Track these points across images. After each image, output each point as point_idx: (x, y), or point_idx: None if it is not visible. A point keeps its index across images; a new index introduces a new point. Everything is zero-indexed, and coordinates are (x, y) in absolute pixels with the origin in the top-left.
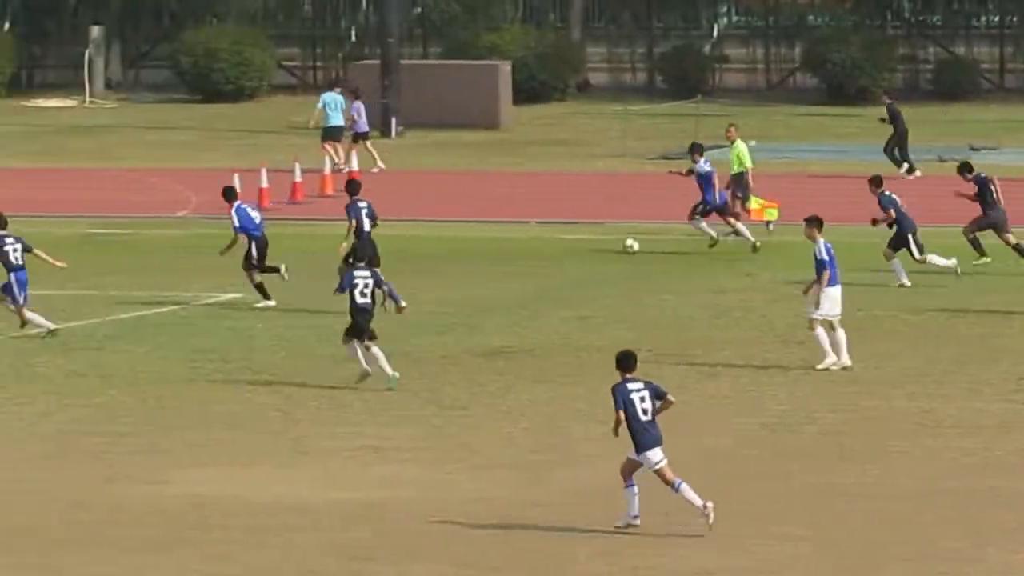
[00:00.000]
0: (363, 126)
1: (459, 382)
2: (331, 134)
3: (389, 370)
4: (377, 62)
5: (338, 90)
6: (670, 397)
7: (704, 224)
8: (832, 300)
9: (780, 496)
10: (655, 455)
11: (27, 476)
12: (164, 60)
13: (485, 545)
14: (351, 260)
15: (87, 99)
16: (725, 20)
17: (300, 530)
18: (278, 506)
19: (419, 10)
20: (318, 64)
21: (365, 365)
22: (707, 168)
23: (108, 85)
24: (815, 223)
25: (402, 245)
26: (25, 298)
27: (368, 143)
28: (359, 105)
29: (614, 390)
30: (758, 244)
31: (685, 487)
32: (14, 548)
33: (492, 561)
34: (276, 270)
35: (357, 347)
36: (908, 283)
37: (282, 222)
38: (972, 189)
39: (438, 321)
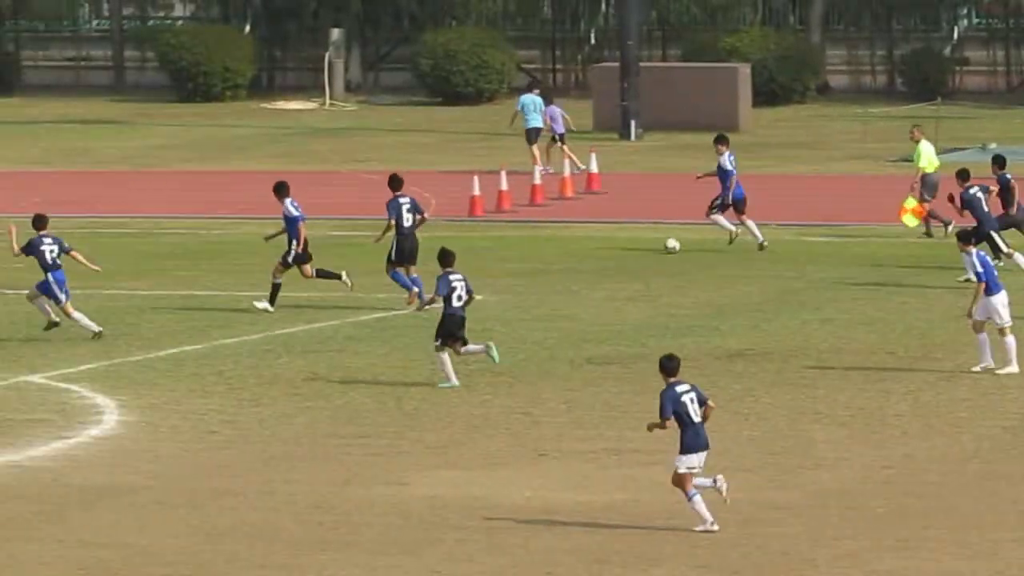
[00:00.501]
0: (558, 128)
1: (698, 384)
2: (529, 136)
3: (483, 348)
4: (616, 64)
5: (536, 92)
6: (711, 403)
7: (723, 219)
8: (993, 308)
9: None
10: (694, 459)
11: (267, 478)
12: (403, 63)
13: (725, 548)
14: (392, 259)
15: (327, 101)
16: (965, 22)
17: (540, 532)
18: (518, 508)
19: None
20: (557, 67)
21: (454, 379)
22: (730, 164)
23: (348, 87)
24: (964, 239)
25: (640, 247)
26: (67, 295)
27: (565, 147)
28: (553, 109)
29: (663, 395)
30: (766, 243)
31: (698, 499)
32: (256, 550)
33: (732, 564)
34: (338, 276)
35: (447, 357)
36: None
37: (521, 224)
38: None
39: (678, 323)
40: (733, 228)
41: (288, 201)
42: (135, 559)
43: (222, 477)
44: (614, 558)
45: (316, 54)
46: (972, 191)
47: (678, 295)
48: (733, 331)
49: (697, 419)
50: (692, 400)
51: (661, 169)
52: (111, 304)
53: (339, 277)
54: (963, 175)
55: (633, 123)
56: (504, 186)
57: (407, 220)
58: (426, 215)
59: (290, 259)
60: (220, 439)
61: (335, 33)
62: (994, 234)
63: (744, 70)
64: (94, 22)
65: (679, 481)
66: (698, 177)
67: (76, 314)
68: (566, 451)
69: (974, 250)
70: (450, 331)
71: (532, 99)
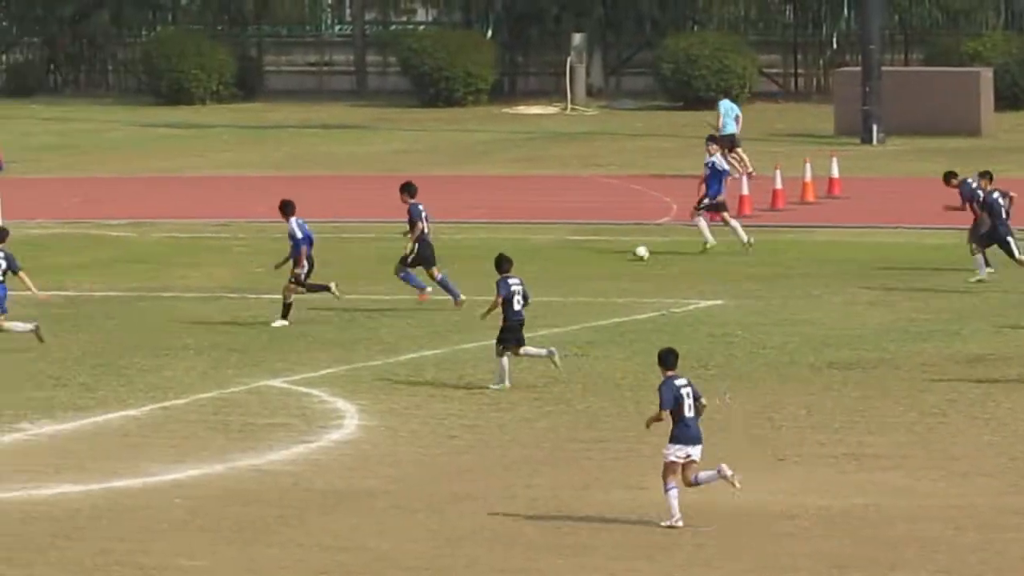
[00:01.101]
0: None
1: (938, 389)
2: (724, 141)
3: (544, 351)
4: (858, 69)
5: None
6: (703, 400)
7: (703, 224)
8: None
9: None
10: (682, 451)
11: (507, 482)
12: (645, 67)
13: (965, 553)
14: (409, 262)
15: (568, 106)
16: None
17: (781, 536)
18: (759, 512)
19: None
20: (799, 71)
21: (508, 382)
22: (723, 165)
23: (589, 92)
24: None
25: (881, 252)
26: (4, 310)
27: (738, 149)
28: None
29: (662, 387)
30: (752, 241)
31: (674, 494)
32: (495, 554)
33: (973, 569)
34: (327, 288)
35: (507, 362)
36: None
37: (762, 229)
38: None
39: (918, 327)
40: (711, 239)
41: (294, 220)
42: (374, 563)
43: (462, 481)
44: (853, 563)
45: (558, 59)
46: (994, 195)
47: (916, 300)
48: (974, 336)
49: (690, 413)
50: (688, 395)
51: (903, 174)
52: (352, 308)
53: (328, 288)
54: (987, 176)
55: (875, 127)
56: (746, 191)
57: (426, 227)
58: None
59: (301, 279)
60: (460, 443)
61: (577, 38)
62: (1010, 240)
63: (986, 74)
64: (336, 27)
65: (664, 471)
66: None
67: (8, 324)
68: (805, 455)
69: None
70: (511, 336)
71: (729, 105)
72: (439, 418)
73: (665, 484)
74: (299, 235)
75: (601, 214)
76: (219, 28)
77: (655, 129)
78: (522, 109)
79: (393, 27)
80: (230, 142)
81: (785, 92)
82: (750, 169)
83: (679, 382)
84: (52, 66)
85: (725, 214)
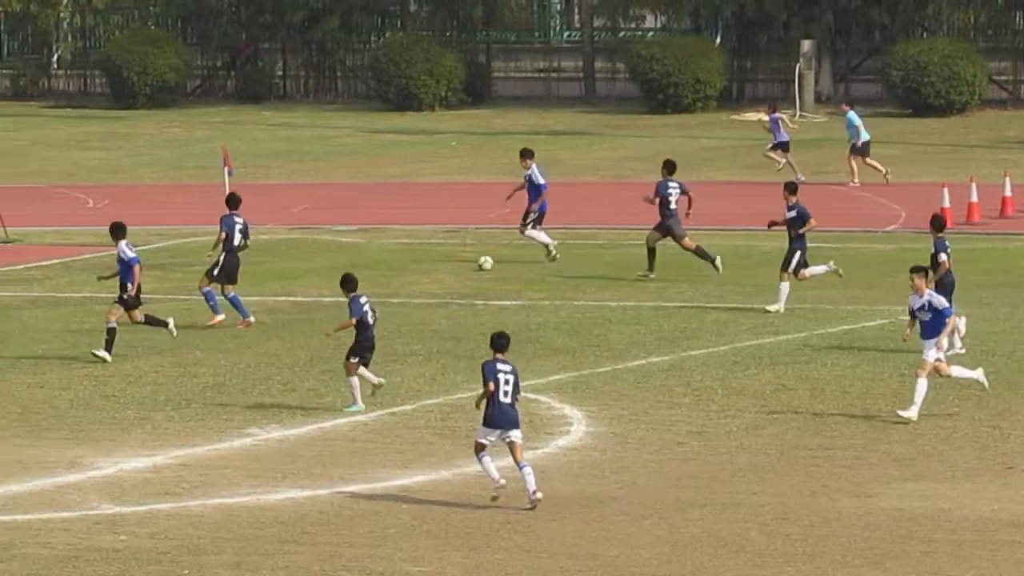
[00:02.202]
0: (780, 136)
1: None
2: (856, 150)
3: (375, 380)
4: None
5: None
6: (521, 395)
7: (540, 234)
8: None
9: None
10: (493, 435)
11: (734, 489)
12: (874, 74)
13: None
14: (213, 275)
15: (797, 112)
16: None
17: (1008, 545)
18: (985, 521)
19: None
20: None
21: (361, 403)
22: (542, 179)
23: (818, 99)
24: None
25: None
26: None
27: (787, 155)
28: (776, 116)
29: (483, 366)
30: (555, 252)
31: (487, 460)
32: (721, 561)
33: None
34: (165, 324)
35: (358, 382)
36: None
37: (990, 236)
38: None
39: None
40: (550, 241)
41: (123, 243)
42: (601, 570)
43: (688, 488)
44: None
45: (786, 65)
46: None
47: None
48: None
49: (506, 400)
50: (507, 381)
51: None
52: (580, 315)
53: (166, 325)
54: (790, 187)
55: None
56: (974, 198)
57: (237, 239)
58: (248, 241)
59: (124, 298)
60: (687, 450)
61: (806, 44)
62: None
63: None
64: (565, 33)
65: (475, 448)
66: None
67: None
68: None
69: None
70: (367, 354)
71: (853, 115)
72: (666, 425)
73: (477, 455)
74: (130, 255)
75: (829, 221)
76: (448, 34)
77: (884, 136)
78: (750, 116)
79: (622, 33)
80: (458, 148)
81: (1014, 99)
82: (884, 172)
83: (502, 366)
84: (225, 73)
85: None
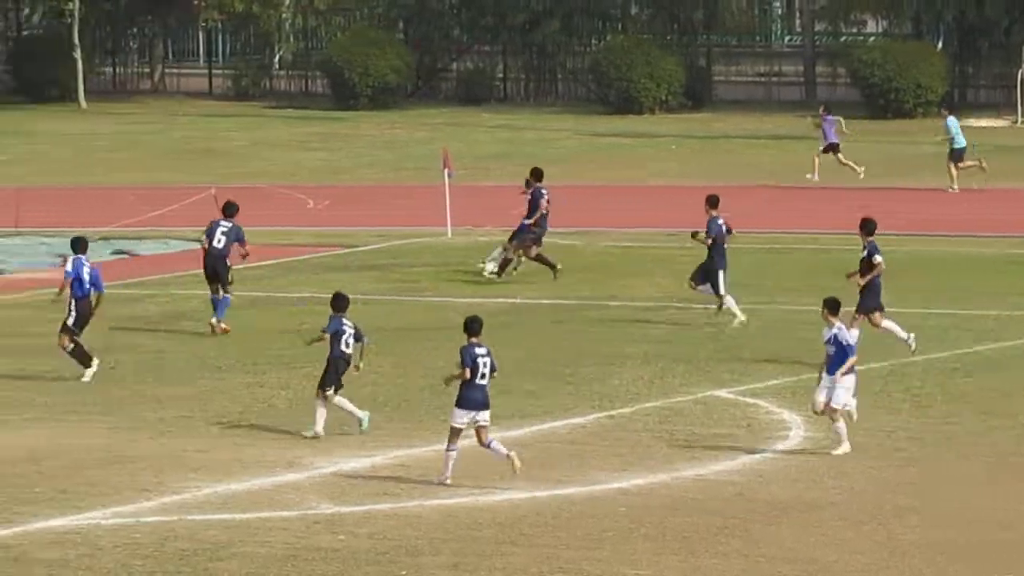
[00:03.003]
0: (831, 138)
1: None
2: (954, 156)
3: (360, 415)
4: None
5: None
6: (497, 374)
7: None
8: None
9: None
10: (466, 417)
11: (951, 496)
12: None
13: None
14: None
15: (1019, 119)
16: None
17: None
18: None
19: None
20: None
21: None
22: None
23: None
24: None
25: None
26: None
27: (839, 156)
28: (830, 119)
29: (462, 350)
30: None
31: (453, 456)
32: (937, 567)
33: None
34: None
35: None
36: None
37: None
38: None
39: None
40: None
41: (75, 259)
42: (818, 575)
43: (907, 494)
44: None
45: (1008, 71)
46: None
47: None
48: None
49: (482, 381)
50: (485, 364)
51: None
52: (797, 319)
53: (86, 364)
54: (712, 201)
55: None
56: None
57: (218, 240)
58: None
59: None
60: (906, 456)
61: None
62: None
63: None
64: (786, 38)
65: (451, 434)
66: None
67: None
68: None
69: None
70: (334, 376)
71: (954, 121)
72: (886, 431)
73: (448, 445)
74: (67, 269)
75: None
76: (668, 37)
77: None
78: (971, 122)
79: (843, 38)
80: (677, 152)
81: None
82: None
83: (479, 350)
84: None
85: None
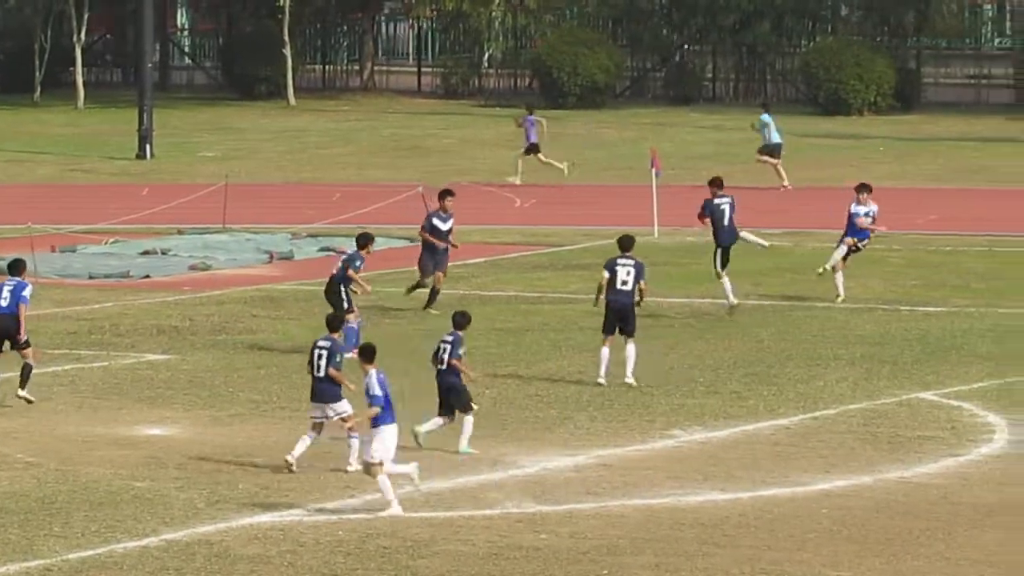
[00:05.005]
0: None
1: None
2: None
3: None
4: None
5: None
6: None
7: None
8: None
9: None
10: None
11: None
12: None
13: None
14: None
15: None
16: None
17: None
18: None
19: None
20: None
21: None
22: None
23: None
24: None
25: None
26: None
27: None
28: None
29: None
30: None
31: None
32: None
33: None
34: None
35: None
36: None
37: None
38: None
39: None
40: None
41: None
42: None
43: None
44: None
45: None
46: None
47: None
48: None
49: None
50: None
51: None
52: (1007, 323)
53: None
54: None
55: None
56: None
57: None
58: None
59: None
60: None
61: None
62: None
63: None
64: (996, 40)
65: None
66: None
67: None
68: None
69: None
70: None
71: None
72: None
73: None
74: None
75: None
76: (878, 39)
77: None
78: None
79: None
80: (886, 153)
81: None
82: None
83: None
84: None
85: None
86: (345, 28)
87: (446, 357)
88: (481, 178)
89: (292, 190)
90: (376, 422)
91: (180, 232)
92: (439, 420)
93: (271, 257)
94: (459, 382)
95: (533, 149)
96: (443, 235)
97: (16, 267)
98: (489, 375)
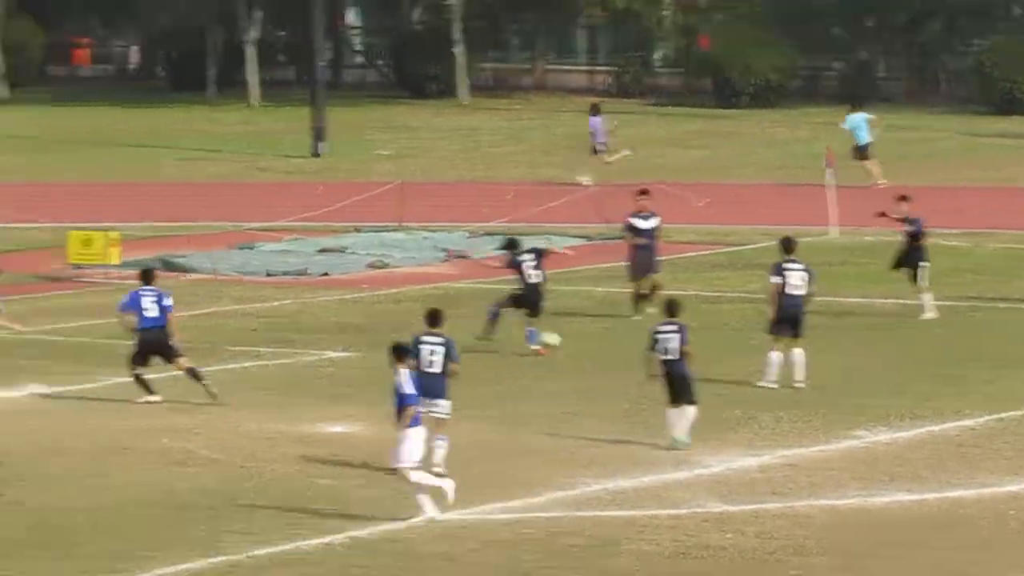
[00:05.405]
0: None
1: None
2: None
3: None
4: None
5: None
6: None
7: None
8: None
9: None
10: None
11: None
12: None
13: None
14: None
15: None
16: None
17: None
18: None
19: None
20: None
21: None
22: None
23: None
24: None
25: None
26: None
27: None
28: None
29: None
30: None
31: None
32: None
33: None
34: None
35: None
36: None
37: None
38: None
39: None
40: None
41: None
42: None
43: None
44: None
45: None
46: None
47: None
48: None
49: (431, 368)
50: (433, 352)
51: None
52: None
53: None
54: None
55: None
56: None
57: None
58: None
59: None
60: None
61: None
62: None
63: None
64: None
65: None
66: None
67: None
68: None
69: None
70: None
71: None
72: None
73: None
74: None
75: None
76: None
77: None
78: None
79: None
80: None
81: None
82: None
83: (427, 339)
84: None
85: None
86: (516, 27)
87: (676, 346)
88: (650, 177)
89: (465, 188)
90: (412, 423)
91: (357, 230)
92: (675, 411)
93: (448, 255)
94: (690, 372)
95: (599, 150)
96: (645, 234)
97: (148, 275)
98: None
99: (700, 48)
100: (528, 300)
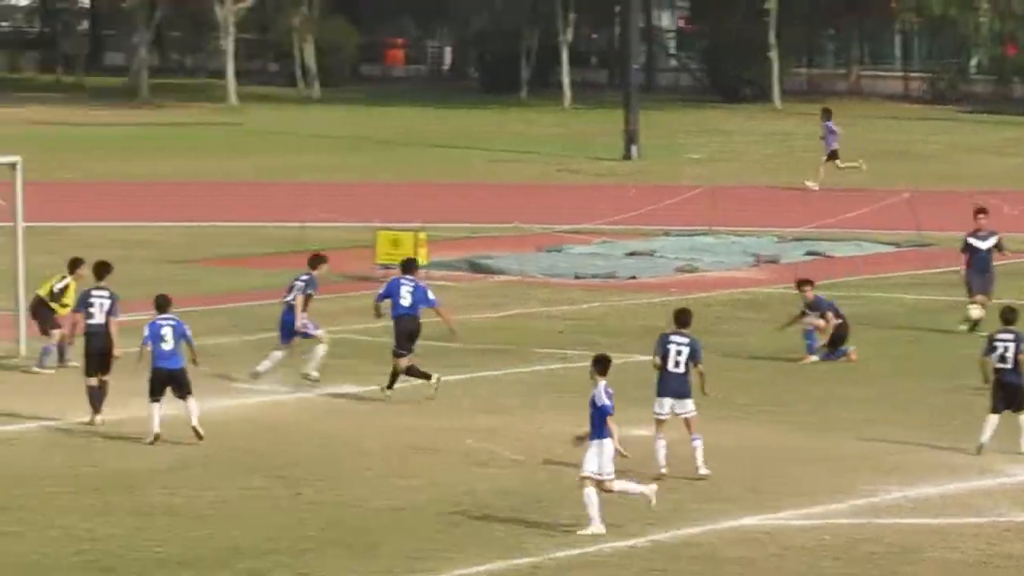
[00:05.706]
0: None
1: None
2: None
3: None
4: None
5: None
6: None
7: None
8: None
9: None
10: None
11: None
12: None
13: None
14: None
15: None
16: None
17: None
18: None
19: None
20: None
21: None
22: None
23: None
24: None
25: None
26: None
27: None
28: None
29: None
30: None
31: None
32: None
33: None
34: None
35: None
36: None
37: None
38: None
39: None
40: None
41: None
42: None
43: None
44: None
45: None
46: None
47: None
48: None
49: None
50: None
51: None
52: None
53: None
54: None
55: None
56: None
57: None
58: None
59: None
60: None
61: None
62: None
63: None
64: None
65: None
66: None
67: None
68: None
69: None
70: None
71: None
72: None
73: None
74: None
75: None
76: None
77: None
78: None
79: None
80: None
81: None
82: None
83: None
84: None
85: None
86: (832, 32)
87: (1012, 355)
88: (964, 185)
89: (777, 193)
90: (603, 434)
91: (666, 234)
92: (995, 419)
93: (757, 260)
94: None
95: (833, 156)
96: (982, 254)
97: (410, 265)
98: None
99: (1008, 55)
100: None
